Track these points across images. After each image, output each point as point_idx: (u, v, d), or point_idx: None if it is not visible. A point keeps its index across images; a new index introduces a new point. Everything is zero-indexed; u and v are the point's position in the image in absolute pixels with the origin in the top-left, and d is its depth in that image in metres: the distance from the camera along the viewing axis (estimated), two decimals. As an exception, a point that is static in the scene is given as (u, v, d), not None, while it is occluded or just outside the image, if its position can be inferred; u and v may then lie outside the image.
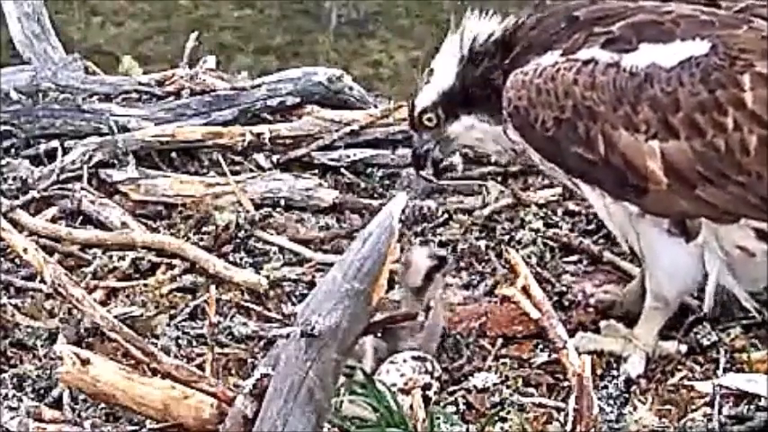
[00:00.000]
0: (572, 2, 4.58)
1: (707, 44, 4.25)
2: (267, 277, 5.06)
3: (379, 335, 4.51)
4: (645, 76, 4.25)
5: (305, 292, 4.97)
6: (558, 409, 4.39)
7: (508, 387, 4.53)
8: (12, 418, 4.24)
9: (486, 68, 4.57)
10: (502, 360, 4.67)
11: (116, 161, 5.72)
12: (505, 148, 4.67)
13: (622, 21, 4.36)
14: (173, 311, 4.95)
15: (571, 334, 4.52)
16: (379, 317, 4.20)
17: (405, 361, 4.46)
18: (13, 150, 5.83)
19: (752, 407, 4.31)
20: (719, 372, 4.51)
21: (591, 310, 4.87)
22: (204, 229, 5.39)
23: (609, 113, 4.28)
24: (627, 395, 4.47)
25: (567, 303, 4.92)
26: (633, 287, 4.87)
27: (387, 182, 5.79)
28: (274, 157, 5.86)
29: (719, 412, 4.30)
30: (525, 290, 4.47)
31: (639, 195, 4.31)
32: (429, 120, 4.69)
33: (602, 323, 4.75)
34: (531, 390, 4.53)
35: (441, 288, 4.77)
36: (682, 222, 4.38)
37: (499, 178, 5.68)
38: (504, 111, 4.46)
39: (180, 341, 4.80)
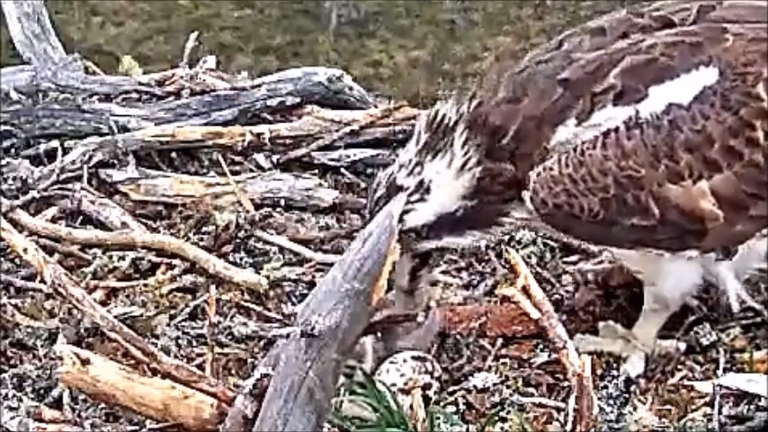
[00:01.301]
0: (539, 54, 4.41)
1: (713, 70, 4.22)
2: (267, 277, 5.06)
3: (379, 334, 4.52)
4: (669, 123, 4.19)
5: (305, 292, 4.97)
6: (558, 409, 4.39)
7: (508, 387, 4.52)
8: (12, 418, 4.24)
9: (493, 175, 4.33)
10: (502, 360, 4.66)
11: (116, 161, 5.72)
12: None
13: (615, 69, 4.24)
14: (173, 311, 4.94)
15: (571, 332, 4.52)
16: (378, 317, 4.20)
17: (405, 361, 4.46)
18: (13, 150, 5.82)
19: (752, 407, 4.30)
20: (719, 372, 4.51)
21: (593, 286, 4.85)
22: (204, 229, 5.38)
23: (651, 173, 4.19)
24: (627, 395, 4.47)
25: (565, 306, 4.92)
26: None
27: (387, 182, 5.77)
28: (274, 157, 5.85)
29: (719, 412, 4.30)
30: (525, 290, 4.46)
31: (699, 239, 4.25)
32: (408, 237, 4.40)
33: (600, 324, 4.75)
34: (531, 390, 4.52)
35: (439, 286, 4.77)
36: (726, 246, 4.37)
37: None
38: (538, 214, 4.30)
39: (180, 341, 4.80)
